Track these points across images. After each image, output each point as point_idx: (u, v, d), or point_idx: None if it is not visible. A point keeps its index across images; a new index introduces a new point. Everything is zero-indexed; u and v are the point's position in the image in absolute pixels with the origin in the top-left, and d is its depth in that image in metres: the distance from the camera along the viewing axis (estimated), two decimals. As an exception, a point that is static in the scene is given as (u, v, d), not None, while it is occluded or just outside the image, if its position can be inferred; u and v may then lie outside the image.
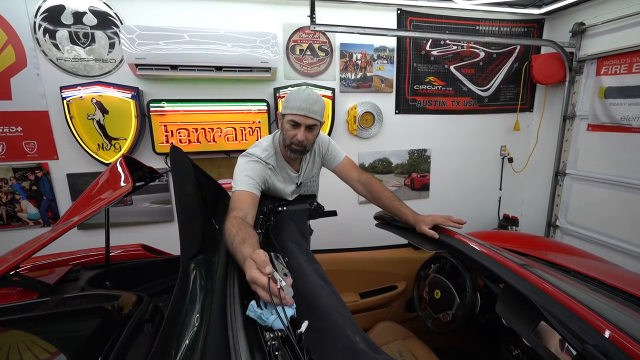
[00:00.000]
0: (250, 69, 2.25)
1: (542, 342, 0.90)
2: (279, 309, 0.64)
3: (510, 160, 3.22)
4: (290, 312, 0.69)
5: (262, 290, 0.68)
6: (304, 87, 1.33)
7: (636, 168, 2.43)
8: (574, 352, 0.81)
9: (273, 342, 0.61)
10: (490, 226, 3.37)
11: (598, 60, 2.59)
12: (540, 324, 0.92)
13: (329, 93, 2.54)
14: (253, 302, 0.70)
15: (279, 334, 0.63)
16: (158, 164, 2.32)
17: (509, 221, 3.21)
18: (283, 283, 0.67)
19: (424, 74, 2.85)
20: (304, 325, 0.66)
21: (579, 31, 2.65)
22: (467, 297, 1.33)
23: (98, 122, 2.19)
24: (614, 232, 2.61)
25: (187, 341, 0.72)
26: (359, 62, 2.67)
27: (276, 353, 0.59)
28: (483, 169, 3.25)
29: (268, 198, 1.42)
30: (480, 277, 1.42)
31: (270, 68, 2.27)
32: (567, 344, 0.84)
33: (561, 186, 2.98)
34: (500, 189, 3.33)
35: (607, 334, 0.76)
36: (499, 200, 3.36)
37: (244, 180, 1.24)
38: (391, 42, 2.70)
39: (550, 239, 3.00)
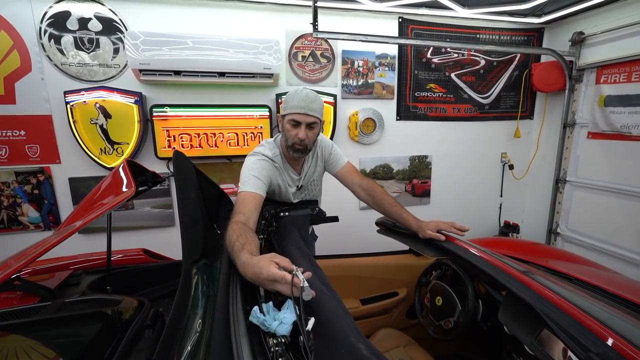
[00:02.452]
0: (252, 75, 2.27)
1: (545, 350, 0.90)
2: (296, 307, 0.65)
3: (511, 167, 3.23)
4: (292, 317, 0.69)
5: (284, 285, 0.69)
6: (302, 87, 1.35)
7: (636, 176, 2.43)
8: (578, 361, 0.80)
9: (276, 348, 0.61)
10: (491, 233, 3.36)
11: (597, 68, 2.61)
12: (543, 332, 0.92)
13: (330, 99, 2.55)
14: (256, 308, 0.70)
15: (282, 339, 0.63)
16: (160, 168, 2.33)
17: (509, 228, 3.21)
18: (306, 283, 0.68)
19: (425, 81, 2.87)
20: (311, 323, 0.65)
21: (579, 40, 2.68)
22: (469, 304, 1.33)
23: (101, 126, 2.20)
24: (615, 239, 2.61)
25: (189, 347, 0.72)
26: (361, 68, 2.69)
27: (280, 359, 0.59)
28: (484, 176, 3.26)
29: (270, 203, 1.42)
30: (482, 284, 1.42)
31: (272, 74, 2.29)
32: (570, 352, 0.84)
33: (562, 193, 2.98)
34: (501, 196, 3.33)
35: (610, 342, 0.76)
36: (500, 207, 3.36)
37: (250, 181, 1.25)
38: (392, 50, 2.73)
39: (551, 246, 2.99)
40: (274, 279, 0.70)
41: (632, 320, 0.95)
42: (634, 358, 0.70)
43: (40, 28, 2.08)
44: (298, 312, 0.65)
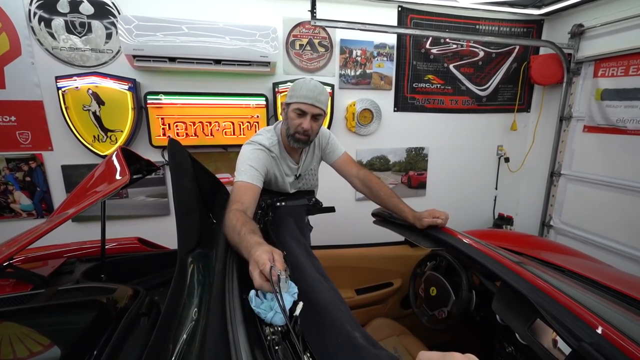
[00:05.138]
0: (249, 63, 2.23)
1: (537, 339, 0.91)
2: (277, 297, 0.65)
3: (507, 159, 3.24)
4: (290, 301, 0.69)
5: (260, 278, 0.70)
6: (309, 78, 1.33)
7: (630, 170, 2.46)
8: (569, 349, 0.82)
9: (273, 337, 0.61)
10: (485, 225, 3.40)
11: (595, 62, 2.61)
12: (535, 322, 0.93)
13: (328, 89, 2.52)
14: (253, 292, 0.69)
15: (279, 328, 0.63)
16: (154, 157, 2.30)
17: (503, 220, 3.24)
18: (283, 275, 0.67)
19: (424, 72, 2.84)
20: (299, 308, 0.66)
21: (578, 32, 2.67)
22: (462, 294, 1.34)
23: (94, 113, 2.16)
24: (607, 232, 2.65)
25: (184, 335, 0.72)
26: (359, 58, 2.66)
27: (276, 348, 0.59)
28: (479, 168, 3.27)
29: (266, 193, 1.41)
30: (476, 274, 1.43)
31: (269, 62, 2.25)
32: (559, 342, 0.85)
33: (556, 186, 3.01)
34: (496, 189, 3.36)
35: (600, 330, 0.77)
36: (495, 200, 3.39)
37: (247, 171, 1.24)
38: (391, 39, 2.70)
39: (544, 238, 3.03)
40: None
41: (622, 311, 0.97)
42: (626, 348, 0.71)
43: (29, 10, 2.02)
44: (281, 305, 0.65)
